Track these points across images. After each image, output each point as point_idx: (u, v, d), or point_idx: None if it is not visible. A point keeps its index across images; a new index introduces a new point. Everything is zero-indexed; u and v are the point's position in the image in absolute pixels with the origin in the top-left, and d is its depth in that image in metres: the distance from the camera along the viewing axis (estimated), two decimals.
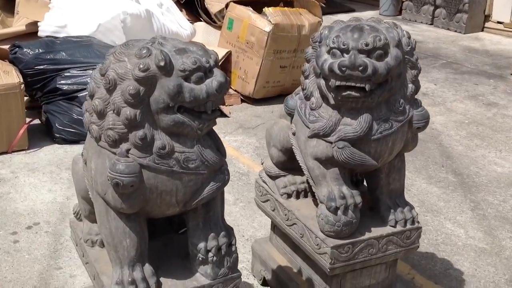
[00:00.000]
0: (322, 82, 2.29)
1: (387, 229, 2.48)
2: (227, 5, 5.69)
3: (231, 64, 5.69)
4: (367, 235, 2.44)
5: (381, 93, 2.23)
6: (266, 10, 5.29)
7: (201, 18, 6.33)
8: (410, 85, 2.31)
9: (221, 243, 2.10)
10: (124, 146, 1.91)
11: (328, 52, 2.24)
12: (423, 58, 7.16)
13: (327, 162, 2.36)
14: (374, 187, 2.53)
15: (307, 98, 2.39)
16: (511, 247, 3.41)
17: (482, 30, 8.59)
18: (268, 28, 5.23)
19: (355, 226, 2.40)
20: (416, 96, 2.37)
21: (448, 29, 8.65)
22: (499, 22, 8.46)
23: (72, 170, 2.30)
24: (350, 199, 2.37)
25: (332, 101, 2.27)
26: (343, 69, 2.17)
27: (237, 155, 4.52)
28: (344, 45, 2.18)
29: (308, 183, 2.64)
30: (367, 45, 2.16)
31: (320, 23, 5.68)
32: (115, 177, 1.88)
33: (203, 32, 6.07)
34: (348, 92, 2.22)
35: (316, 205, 2.60)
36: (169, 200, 1.99)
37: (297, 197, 2.68)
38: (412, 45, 2.27)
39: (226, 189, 2.16)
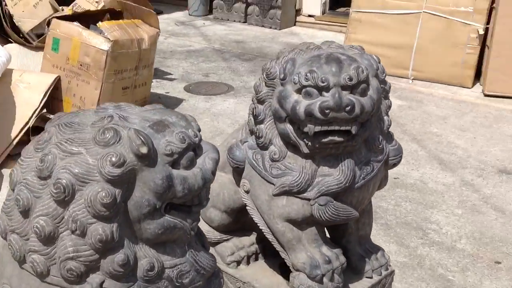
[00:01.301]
0: (289, 127, 1.85)
1: (365, 283, 2.14)
2: (48, 22, 4.85)
3: (61, 92, 4.88)
4: None
5: (363, 133, 1.86)
6: (101, 25, 4.60)
7: (10, 39, 5.36)
8: (386, 118, 1.97)
9: None
10: (94, 279, 1.28)
11: (299, 91, 1.81)
12: (253, 60, 6.98)
13: (303, 222, 1.93)
14: (340, 235, 2.17)
15: (264, 147, 1.93)
16: (427, 255, 3.31)
17: (295, 25, 8.70)
18: (106, 46, 4.55)
19: None
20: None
21: (263, 26, 8.60)
22: (310, 16, 8.62)
23: None
24: (336, 261, 1.98)
25: (306, 150, 1.85)
26: (327, 111, 1.75)
27: None
28: (323, 82, 1.76)
29: (260, 243, 2.20)
30: (350, 79, 1.76)
31: (159, 34, 5.15)
32: None
33: (17, 56, 5.13)
34: (330, 138, 1.81)
35: (273, 267, 2.17)
36: None
37: (248, 262, 2.21)
38: (385, 71, 1.94)
39: None
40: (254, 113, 1.93)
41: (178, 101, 5.64)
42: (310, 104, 1.77)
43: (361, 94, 1.80)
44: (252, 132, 1.97)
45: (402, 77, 6.29)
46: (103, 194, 1.23)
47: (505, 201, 3.82)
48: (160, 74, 6.44)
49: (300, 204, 1.90)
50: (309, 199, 1.88)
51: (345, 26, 6.92)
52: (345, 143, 1.83)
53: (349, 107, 1.75)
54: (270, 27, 8.52)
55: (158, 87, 6.03)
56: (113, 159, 1.24)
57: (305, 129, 1.80)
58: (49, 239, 1.27)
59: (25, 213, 1.29)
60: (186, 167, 1.34)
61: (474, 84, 6.14)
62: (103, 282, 1.29)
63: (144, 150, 1.26)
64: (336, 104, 1.74)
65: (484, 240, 3.37)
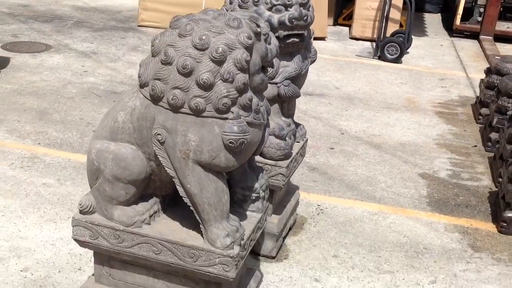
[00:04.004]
0: None
1: (297, 144, 3.14)
2: None
3: None
4: (293, 154, 3.05)
5: (308, 36, 2.86)
6: None
7: None
8: (311, 29, 2.99)
9: (266, 179, 2.44)
10: (235, 109, 2.06)
11: (270, 9, 2.70)
12: (51, 21, 7.25)
13: (271, 100, 2.85)
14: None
15: None
16: None
17: None
18: None
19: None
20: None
21: None
22: None
23: (103, 159, 2.19)
24: (292, 125, 2.95)
25: None
26: (293, 20, 2.69)
27: None
28: (289, 1, 2.69)
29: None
30: None
31: None
32: (240, 138, 2.04)
33: None
34: (292, 39, 2.76)
35: None
36: (250, 151, 2.23)
37: None
38: None
39: None
40: None
41: (4, 60, 5.78)
42: (281, 16, 2.69)
43: (308, 9, 2.79)
44: None
45: None
46: (245, 54, 2.01)
47: (317, 112, 5.15)
48: None
49: (270, 87, 2.81)
50: (276, 83, 2.81)
51: None
52: (298, 43, 2.80)
53: (306, 17, 2.73)
54: None
55: None
56: (246, 34, 2.03)
57: (276, 34, 2.72)
58: (209, 86, 1.99)
59: (188, 73, 1.99)
60: (269, 43, 2.17)
61: None
62: (238, 111, 2.08)
63: (259, 29, 2.07)
64: (299, 15, 2.70)
65: (317, 137, 4.64)
